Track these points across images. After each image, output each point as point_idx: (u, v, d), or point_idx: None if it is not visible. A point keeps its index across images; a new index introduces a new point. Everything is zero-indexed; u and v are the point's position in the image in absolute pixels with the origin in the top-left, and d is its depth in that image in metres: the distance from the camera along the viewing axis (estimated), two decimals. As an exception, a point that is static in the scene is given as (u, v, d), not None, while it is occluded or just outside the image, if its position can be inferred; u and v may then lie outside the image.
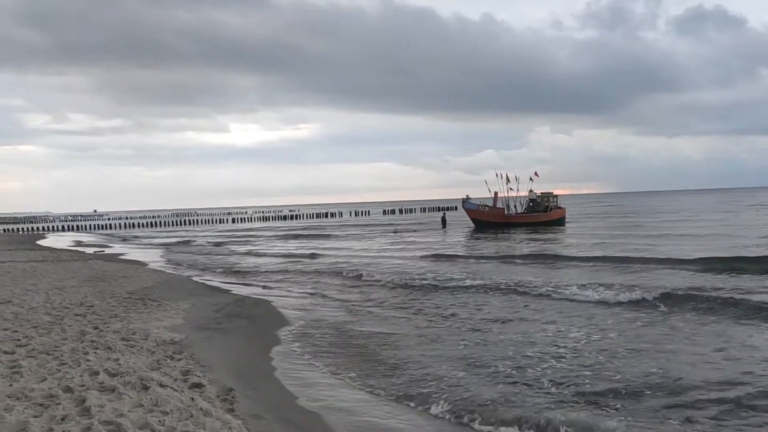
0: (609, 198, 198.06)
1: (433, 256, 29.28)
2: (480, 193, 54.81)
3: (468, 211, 55.26)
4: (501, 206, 53.79)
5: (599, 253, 26.04)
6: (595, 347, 10.38)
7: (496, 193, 53.41)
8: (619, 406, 7.45)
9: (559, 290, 16.61)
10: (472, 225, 54.32)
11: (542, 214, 53.42)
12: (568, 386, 8.26)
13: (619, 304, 14.50)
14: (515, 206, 54.55)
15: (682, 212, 66.13)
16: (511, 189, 54.27)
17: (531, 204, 54.65)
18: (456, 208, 72.00)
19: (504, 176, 54.15)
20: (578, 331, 11.75)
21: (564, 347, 10.48)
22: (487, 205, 54.17)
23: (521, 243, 35.64)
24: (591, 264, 23.09)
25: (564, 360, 9.63)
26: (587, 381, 8.46)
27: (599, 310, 13.98)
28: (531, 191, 55.05)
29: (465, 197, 55.76)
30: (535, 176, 55.82)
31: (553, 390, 8.13)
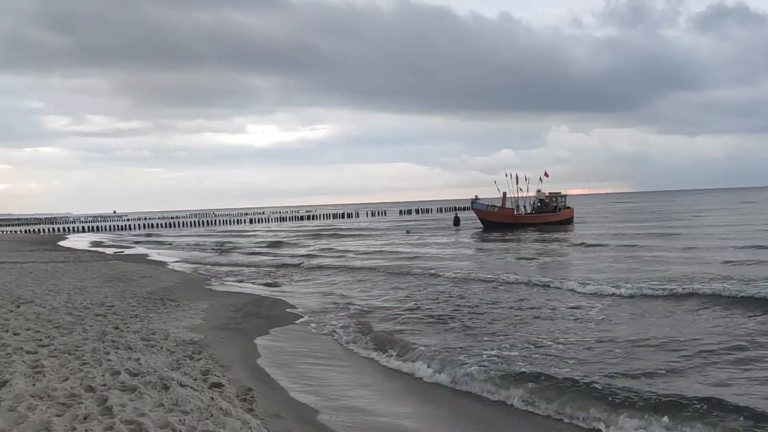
0: (628, 198, 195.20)
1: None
2: (496, 193, 54.66)
3: (476, 211, 55.01)
4: (510, 206, 53.63)
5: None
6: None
7: (504, 194, 53.25)
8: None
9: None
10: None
11: (551, 214, 53.40)
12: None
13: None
14: (524, 206, 54.44)
15: (703, 214, 64.91)
16: (520, 189, 54.34)
17: (539, 204, 54.56)
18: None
19: (514, 176, 54.18)
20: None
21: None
22: (496, 206, 53.98)
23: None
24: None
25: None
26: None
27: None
28: (539, 191, 54.94)
29: (474, 197, 55.60)
30: (545, 176, 55.87)
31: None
